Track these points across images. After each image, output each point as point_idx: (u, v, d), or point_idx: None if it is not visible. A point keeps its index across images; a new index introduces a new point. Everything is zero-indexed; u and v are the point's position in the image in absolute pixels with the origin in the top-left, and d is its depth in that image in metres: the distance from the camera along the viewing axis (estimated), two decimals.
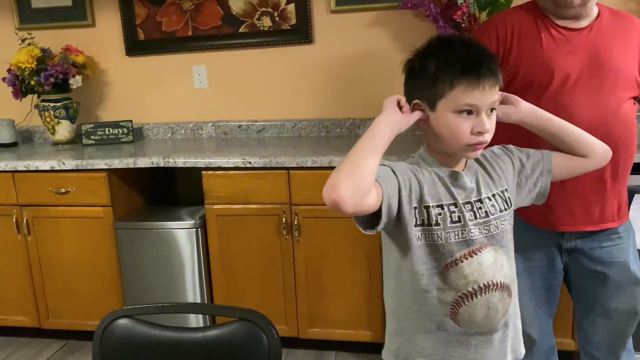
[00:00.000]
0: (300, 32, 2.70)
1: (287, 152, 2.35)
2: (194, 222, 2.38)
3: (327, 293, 2.35)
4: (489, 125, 1.08)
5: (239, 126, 2.90)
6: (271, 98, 2.85)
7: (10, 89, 2.76)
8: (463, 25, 2.32)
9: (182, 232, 2.39)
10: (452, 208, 1.11)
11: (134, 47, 2.87)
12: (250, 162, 2.27)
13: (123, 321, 1.16)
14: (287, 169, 2.27)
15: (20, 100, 2.85)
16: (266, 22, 2.73)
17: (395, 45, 2.66)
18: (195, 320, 2.36)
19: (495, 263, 1.12)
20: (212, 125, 2.92)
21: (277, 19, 2.72)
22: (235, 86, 2.87)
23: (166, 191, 2.90)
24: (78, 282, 2.53)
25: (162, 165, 2.36)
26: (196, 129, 2.94)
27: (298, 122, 2.82)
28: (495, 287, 1.11)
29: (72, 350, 2.63)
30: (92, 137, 2.79)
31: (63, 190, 2.42)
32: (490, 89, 1.07)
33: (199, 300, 2.43)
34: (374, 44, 2.67)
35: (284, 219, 2.30)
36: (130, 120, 2.83)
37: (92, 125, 2.79)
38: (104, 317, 1.16)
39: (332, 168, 2.22)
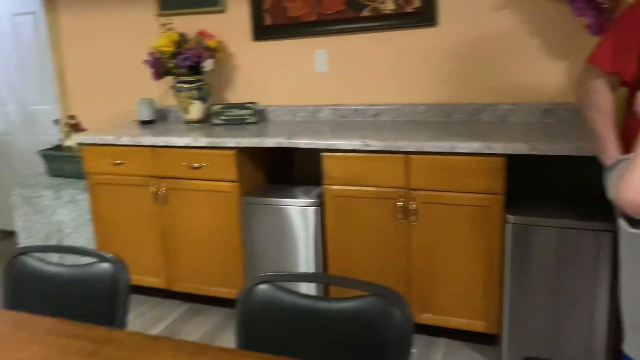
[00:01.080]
0: (424, 15, 2.67)
1: (406, 136, 2.34)
2: (312, 200, 2.47)
3: (441, 280, 2.33)
4: None
5: (356, 109, 2.94)
6: (390, 81, 2.85)
7: (151, 70, 3.02)
8: (605, 6, 2.15)
9: (301, 209, 2.49)
10: None
11: (261, 32, 3.01)
12: (369, 145, 2.30)
13: (264, 286, 1.25)
14: (406, 153, 2.27)
15: (159, 81, 3.11)
16: (389, 5, 2.73)
17: (526, 27, 2.53)
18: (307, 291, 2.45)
19: None
20: (330, 108, 2.99)
21: (400, 1, 2.70)
22: (355, 70, 2.90)
23: (283, 171, 3.03)
24: (204, 250, 2.74)
25: (285, 145, 2.47)
26: (314, 112, 3.03)
27: (416, 107, 2.80)
28: None
29: (196, 313, 2.86)
30: (221, 117, 2.98)
31: (196, 165, 2.62)
32: None
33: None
34: (502, 26, 2.56)
35: (400, 203, 2.31)
36: (256, 102, 2.98)
37: (221, 106, 2.98)
38: (247, 281, 1.25)
39: (455, 154, 2.21)
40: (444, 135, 2.33)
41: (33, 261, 1.49)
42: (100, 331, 1.16)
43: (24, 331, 1.17)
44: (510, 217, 2.13)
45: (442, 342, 2.45)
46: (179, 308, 2.92)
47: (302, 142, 2.44)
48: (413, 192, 2.29)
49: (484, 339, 2.43)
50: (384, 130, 2.59)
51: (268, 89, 3.11)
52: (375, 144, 2.30)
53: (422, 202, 2.28)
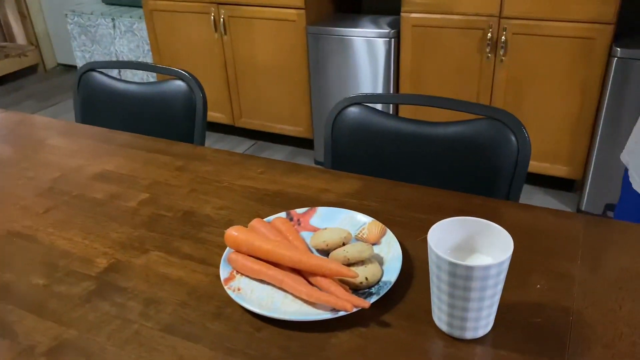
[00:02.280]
0: None
1: None
2: (387, 31, 2.24)
3: (526, 121, 2.14)
4: None
5: None
6: None
7: None
8: None
9: (374, 41, 2.27)
10: None
11: None
12: None
13: (355, 109, 1.12)
14: None
15: None
16: None
17: None
18: None
19: None
20: None
21: None
22: None
23: None
24: (269, 84, 2.61)
25: None
26: None
27: None
28: None
29: (261, 150, 2.84)
30: None
31: None
32: None
33: None
34: None
35: (489, 34, 2.05)
36: None
37: None
38: (337, 103, 1.12)
39: None
40: None
41: (103, 78, 1.40)
42: (183, 147, 1.09)
43: (106, 144, 1.12)
44: (618, 51, 1.86)
45: None
46: (244, 144, 2.90)
47: None
48: (506, 21, 2.02)
49: (564, 185, 2.32)
50: None
51: None
52: None
53: (514, 33, 2.02)
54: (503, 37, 2.04)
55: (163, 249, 0.78)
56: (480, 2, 2.03)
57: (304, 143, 2.84)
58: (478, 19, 2.06)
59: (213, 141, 2.95)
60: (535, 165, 2.22)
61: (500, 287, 0.57)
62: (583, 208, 2.14)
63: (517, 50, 2.05)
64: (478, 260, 0.60)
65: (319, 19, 2.45)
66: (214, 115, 2.84)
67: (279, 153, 2.78)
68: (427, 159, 1.06)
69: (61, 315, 0.67)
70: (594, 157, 2.05)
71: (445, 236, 0.60)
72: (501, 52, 2.07)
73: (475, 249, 0.61)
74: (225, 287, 0.67)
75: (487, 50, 2.09)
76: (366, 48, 2.30)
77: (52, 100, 3.63)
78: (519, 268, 0.69)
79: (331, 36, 2.34)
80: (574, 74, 1.99)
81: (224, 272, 0.70)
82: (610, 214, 2.10)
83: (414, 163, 1.07)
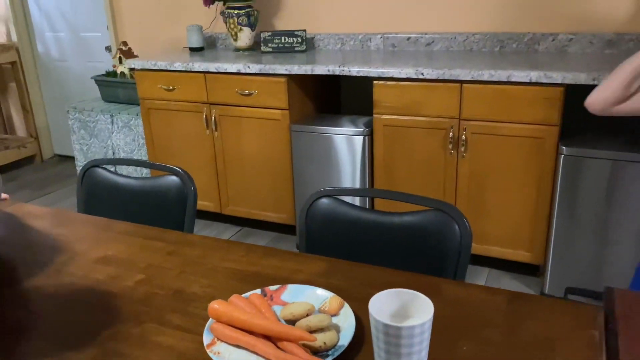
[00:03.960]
0: None
1: (460, 65, 2.30)
2: (360, 130, 2.49)
3: (488, 210, 2.36)
4: None
5: (408, 38, 2.88)
6: (443, 9, 2.77)
7: None
8: None
9: (350, 138, 2.52)
10: None
11: None
12: (422, 74, 2.28)
13: (325, 200, 1.31)
14: (461, 82, 2.24)
15: (209, 7, 3.10)
16: None
17: None
18: None
19: None
20: (381, 37, 2.94)
21: None
22: None
23: (331, 100, 3.04)
24: (255, 175, 2.82)
25: (337, 73, 2.46)
26: (365, 41, 2.98)
27: (470, 36, 2.73)
28: None
29: (246, 235, 2.99)
30: (270, 44, 2.97)
31: (247, 92, 2.65)
32: None
33: (358, 203, 2.59)
34: None
35: (451, 133, 2.31)
36: (305, 30, 2.96)
37: (270, 34, 2.97)
38: (310, 195, 1.31)
39: (511, 83, 2.17)
40: (500, 64, 2.28)
41: (105, 173, 1.58)
42: (175, 234, 1.25)
43: (106, 232, 1.28)
44: (564, 149, 2.11)
45: (484, 270, 2.51)
46: (230, 230, 3.06)
47: (354, 70, 2.43)
48: (465, 122, 2.28)
49: (527, 270, 2.48)
50: (437, 59, 2.55)
51: (317, 16, 3.07)
52: (429, 73, 2.27)
53: (473, 133, 2.27)
54: (463, 136, 2.29)
55: (156, 321, 0.92)
56: (442, 106, 2.30)
57: (287, 229, 3.01)
58: (441, 120, 2.32)
59: (201, 227, 3.10)
60: (499, 251, 2.39)
61: (426, 344, 0.71)
62: (546, 291, 2.29)
63: (476, 147, 2.29)
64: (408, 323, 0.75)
65: (302, 118, 2.72)
66: (203, 204, 3.02)
67: (263, 239, 2.93)
68: (386, 244, 1.23)
69: None
70: (551, 244, 2.23)
71: (384, 305, 0.76)
72: (462, 149, 2.31)
73: (408, 315, 0.76)
74: (208, 351, 0.81)
75: (450, 147, 2.33)
76: (344, 144, 2.55)
77: (47, 190, 3.80)
78: (450, 333, 0.84)
79: (313, 133, 2.59)
80: (529, 168, 2.23)
81: (206, 338, 0.84)
82: (570, 297, 2.24)
83: (375, 247, 1.24)
